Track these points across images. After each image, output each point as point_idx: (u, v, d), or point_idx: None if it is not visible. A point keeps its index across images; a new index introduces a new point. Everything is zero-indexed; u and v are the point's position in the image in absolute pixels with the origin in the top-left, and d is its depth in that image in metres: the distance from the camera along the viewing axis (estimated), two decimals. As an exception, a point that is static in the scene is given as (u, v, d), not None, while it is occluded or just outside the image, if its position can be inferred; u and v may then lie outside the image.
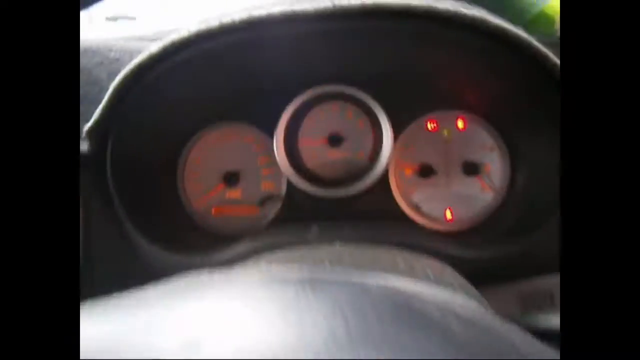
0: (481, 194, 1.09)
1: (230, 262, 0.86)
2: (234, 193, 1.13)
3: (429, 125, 1.09)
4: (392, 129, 1.00)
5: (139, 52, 0.81)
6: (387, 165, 1.01)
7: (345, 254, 0.67)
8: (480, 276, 0.89)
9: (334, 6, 0.74)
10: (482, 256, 0.91)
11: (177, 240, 0.97)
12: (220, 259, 0.89)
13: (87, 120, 0.83)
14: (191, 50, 0.78)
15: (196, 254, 0.90)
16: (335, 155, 1.11)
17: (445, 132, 1.09)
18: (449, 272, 0.67)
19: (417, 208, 1.10)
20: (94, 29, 1.33)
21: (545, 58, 0.75)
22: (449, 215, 1.10)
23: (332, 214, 1.06)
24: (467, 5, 0.79)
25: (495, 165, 1.08)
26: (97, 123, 0.83)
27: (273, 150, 1.04)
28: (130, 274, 0.90)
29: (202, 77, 0.90)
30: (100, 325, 0.23)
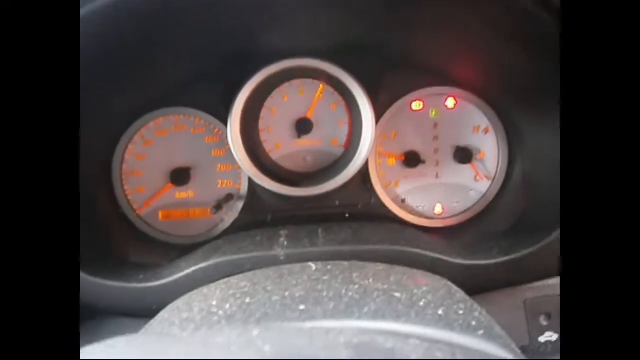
0: (475, 183, 0.94)
1: (174, 288, 0.68)
2: (185, 194, 0.94)
3: (415, 105, 0.92)
4: (373, 111, 0.82)
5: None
6: (368, 154, 0.84)
7: (328, 285, 0.50)
8: (480, 283, 0.76)
9: None
10: (480, 263, 0.75)
11: (112, 262, 0.78)
12: (165, 282, 0.70)
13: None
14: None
15: (132, 279, 0.71)
16: (304, 144, 0.93)
17: (433, 113, 0.92)
18: (449, 302, 0.51)
19: (402, 202, 0.95)
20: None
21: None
22: (438, 209, 0.95)
23: (302, 216, 0.89)
24: None
25: (490, 150, 0.93)
26: None
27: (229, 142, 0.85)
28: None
29: (136, 43, 0.69)
30: None
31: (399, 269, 0.59)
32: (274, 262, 0.68)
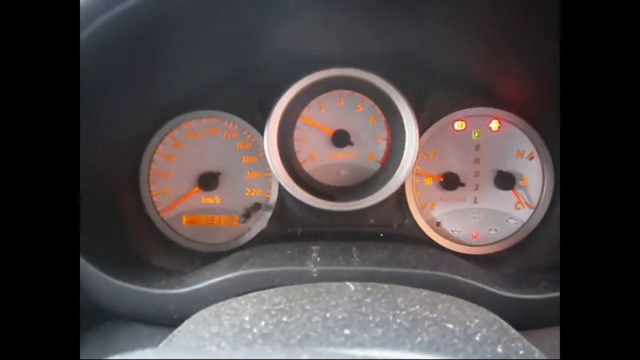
0: (515, 212, 0.89)
1: (197, 298, 0.64)
2: (211, 199, 0.90)
3: (457, 125, 0.88)
4: (417, 127, 0.79)
5: None
6: (409, 172, 0.80)
7: (372, 308, 0.46)
8: (524, 319, 0.70)
9: None
10: (526, 297, 0.70)
11: (133, 264, 0.74)
12: (188, 290, 0.66)
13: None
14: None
15: (153, 284, 0.68)
16: (339, 157, 0.90)
17: (475, 135, 0.88)
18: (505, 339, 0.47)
19: (437, 226, 0.90)
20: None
21: None
22: (476, 236, 0.90)
23: (333, 232, 0.84)
24: None
25: (534, 177, 0.88)
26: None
27: (262, 149, 0.82)
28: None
29: (168, 39, 0.67)
30: None
31: (444, 296, 0.55)
32: (306, 278, 0.64)
